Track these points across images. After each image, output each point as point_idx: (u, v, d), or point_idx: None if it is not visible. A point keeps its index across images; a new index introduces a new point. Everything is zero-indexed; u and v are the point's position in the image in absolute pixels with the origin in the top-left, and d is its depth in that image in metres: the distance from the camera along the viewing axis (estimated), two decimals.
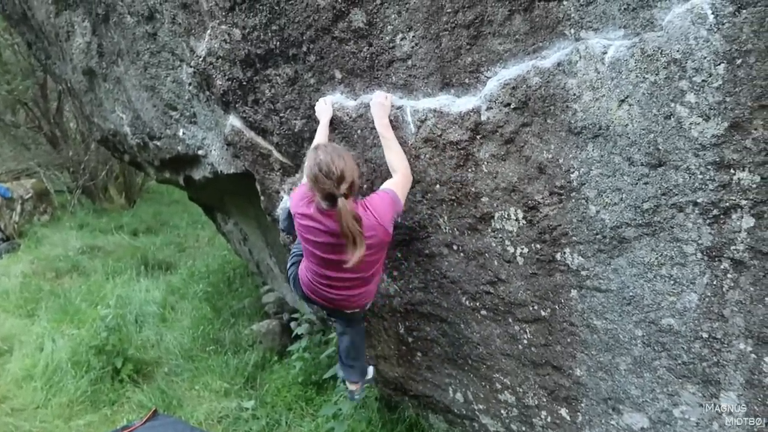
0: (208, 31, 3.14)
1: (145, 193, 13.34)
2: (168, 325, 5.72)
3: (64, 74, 5.52)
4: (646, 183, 1.94)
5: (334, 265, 2.45)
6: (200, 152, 4.09)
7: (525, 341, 2.57)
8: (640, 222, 2.00)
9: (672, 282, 2.01)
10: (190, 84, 3.67)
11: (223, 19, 3.00)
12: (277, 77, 2.94)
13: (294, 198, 2.49)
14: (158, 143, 4.49)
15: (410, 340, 3.18)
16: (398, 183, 2.45)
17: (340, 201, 2.15)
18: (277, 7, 2.72)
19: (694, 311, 2.00)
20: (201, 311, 5.85)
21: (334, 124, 2.79)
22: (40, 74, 11.64)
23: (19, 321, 5.93)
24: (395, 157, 2.49)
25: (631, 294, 2.12)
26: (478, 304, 2.69)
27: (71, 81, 5.38)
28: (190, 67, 3.49)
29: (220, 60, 3.15)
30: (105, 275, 7.34)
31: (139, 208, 12.12)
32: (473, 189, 2.43)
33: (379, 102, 2.52)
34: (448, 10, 2.22)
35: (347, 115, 2.73)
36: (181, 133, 4.14)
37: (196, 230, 9.95)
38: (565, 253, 2.26)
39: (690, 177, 1.85)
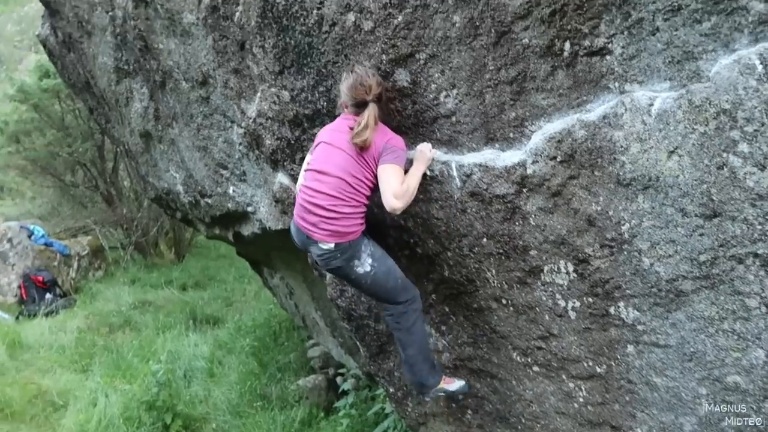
0: (258, 94, 3.29)
1: (194, 247, 13.68)
2: (216, 381, 5.76)
3: (122, 137, 5.83)
4: (701, 234, 1.89)
5: (319, 175, 2.59)
6: (249, 209, 4.21)
7: (581, 399, 2.48)
8: (698, 274, 1.94)
9: (735, 337, 1.92)
10: (240, 144, 3.83)
11: (273, 82, 3.14)
12: None
13: (319, 133, 2.77)
14: (209, 201, 4.65)
15: (460, 397, 3.10)
16: (398, 176, 2.48)
17: (370, 104, 2.52)
18: (324, 70, 2.83)
19: (761, 368, 1.90)
20: (248, 366, 5.88)
21: None
22: (98, 136, 12.30)
23: (74, 376, 6.07)
24: (409, 182, 2.49)
25: (692, 350, 2.04)
26: (529, 359, 2.62)
27: (129, 143, 5.68)
28: (241, 127, 3.65)
29: (269, 120, 3.29)
30: (156, 330, 7.49)
31: (188, 262, 12.41)
32: (521, 242, 2.41)
33: (421, 150, 2.56)
34: (490, 68, 2.27)
35: None
36: (231, 191, 4.28)
37: (243, 284, 10.10)
38: (619, 306, 2.20)
39: (748, 228, 1.79)
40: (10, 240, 9.47)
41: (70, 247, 10.55)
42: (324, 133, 2.70)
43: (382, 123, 2.60)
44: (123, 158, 10.66)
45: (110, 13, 4.48)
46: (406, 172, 2.53)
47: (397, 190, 2.43)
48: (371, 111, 2.50)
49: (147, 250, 12.47)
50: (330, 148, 2.61)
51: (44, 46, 6.39)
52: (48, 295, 9.06)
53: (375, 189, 2.60)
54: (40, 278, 9.16)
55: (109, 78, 5.09)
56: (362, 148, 2.51)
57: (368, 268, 2.65)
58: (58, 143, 12.85)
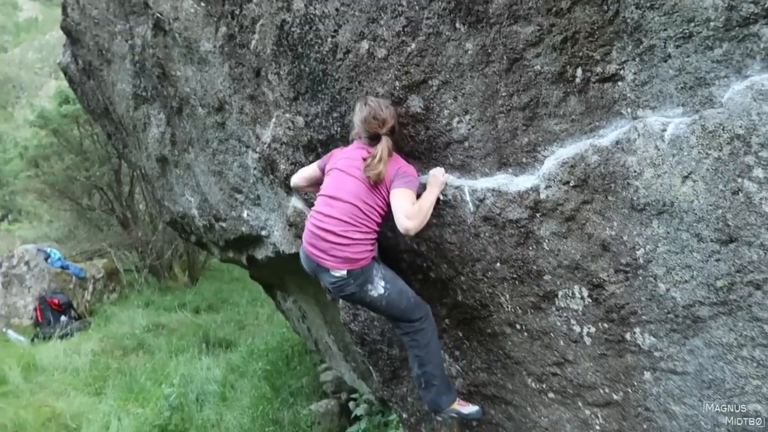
0: (273, 120, 3.34)
1: (208, 270, 13.74)
2: (228, 405, 5.73)
3: (139, 161, 5.92)
4: (717, 260, 1.88)
5: (330, 200, 2.63)
6: (263, 233, 4.24)
7: (597, 427, 2.44)
8: (715, 300, 1.92)
9: (755, 364, 1.89)
10: (255, 168, 3.87)
11: (288, 108, 3.19)
12: None
13: (333, 153, 2.83)
14: (224, 224, 4.69)
15: (474, 423, 3.06)
16: (409, 199, 2.49)
17: (384, 137, 2.57)
18: (338, 96, 2.88)
19: None
20: (260, 390, 5.86)
21: None
22: (115, 161, 12.49)
23: (88, 399, 6.08)
24: (422, 204, 2.50)
25: (710, 377, 2.01)
26: (544, 386, 2.59)
27: (145, 168, 5.76)
28: (256, 152, 3.70)
29: (283, 146, 3.33)
30: (169, 353, 7.50)
31: (202, 285, 12.45)
32: (535, 267, 2.40)
33: (434, 174, 2.58)
34: (503, 94, 2.30)
35: None
36: (245, 215, 4.32)
37: (256, 308, 10.10)
38: (635, 332, 2.17)
39: (765, 253, 1.77)
40: (27, 263, 9.60)
41: (85, 269, 10.65)
42: (337, 160, 2.74)
43: (395, 152, 2.64)
44: (139, 182, 10.83)
45: (130, 42, 4.59)
46: (418, 197, 2.54)
47: (408, 211, 2.45)
48: (385, 145, 2.55)
49: (161, 273, 12.54)
50: (342, 174, 2.65)
51: (65, 74, 6.54)
52: (63, 318, 9.12)
53: (386, 216, 2.63)
54: (56, 301, 9.24)
55: (127, 104, 5.19)
56: (375, 182, 2.55)
57: (382, 291, 2.66)
58: (76, 167, 13.07)
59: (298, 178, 3.01)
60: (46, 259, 9.91)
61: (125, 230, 13.05)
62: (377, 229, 2.65)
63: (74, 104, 11.71)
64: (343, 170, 2.66)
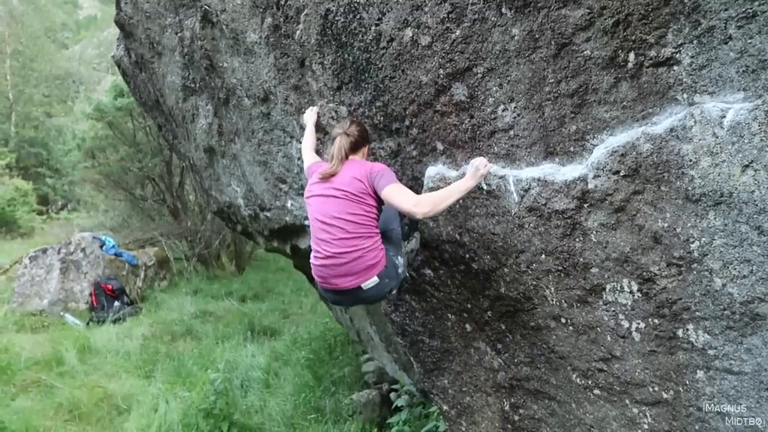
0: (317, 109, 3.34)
1: (254, 260, 14.02)
2: (271, 391, 5.83)
3: (188, 152, 6.05)
4: None
5: (325, 226, 2.67)
6: (306, 222, 4.27)
7: (645, 426, 2.35)
8: None
9: None
10: (299, 158, 3.89)
11: (331, 98, 3.19)
12: (381, 150, 3.05)
13: (313, 169, 2.92)
14: (268, 214, 4.75)
15: (516, 418, 3.01)
16: (404, 190, 2.53)
17: (339, 136, 2.77)
18: (381, 85, 2.85)
19: None
20: (303, 378, 5.94)
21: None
22: (167, 152, 12.88)
23: (138, 381, 6.30)
24: (441, 192, 2.52)
25: None
26: (590, 382, 2.52)
27: (193, 158, 5.89)
28: (300, 142, 3.71)
29: (327, 135, 3.33)
30: (215, 339, 7.69)
31: (248, 275, 12.73)
32: (582, 259, 2.33)
33: (476, 165, 2.49)
34: (550, 81, 2.23)
35: (448, 185, 2.75)
36: (289, 205, 4.36)
37: (300, 297, 10.25)
38: (688, 329, 2.08)
39: None
40: (83, 250, 9.99)
41: (138, 257, 11.02)
42: (312, 185, 2.83)
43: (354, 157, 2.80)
44: (188, 173, 11.12)
45: (179, 34, 4.69)
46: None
47: (412, 199, 2.47)
48: (338, 141, 2.76)
49: (209, 262, 12.87)
50: (322, 198, 2.72)
51: (118, 67, 6.74)
52: (116, 303, 9.48)
53: (377, 217, 2.72)
54: (110, 287, 9.61)
55: (176, 96, 5.31)
56: (333, 175, 2.70)
57: (402, 260, 2.79)
58: (130, 159, 13.55)
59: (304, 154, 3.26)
60: (101, 247, 10.30)
61: (175, 220, 13.45)
62: (376, 229, 2.71)
63: (128, 97, 12.12)
64: (320, 194, 2.73)
